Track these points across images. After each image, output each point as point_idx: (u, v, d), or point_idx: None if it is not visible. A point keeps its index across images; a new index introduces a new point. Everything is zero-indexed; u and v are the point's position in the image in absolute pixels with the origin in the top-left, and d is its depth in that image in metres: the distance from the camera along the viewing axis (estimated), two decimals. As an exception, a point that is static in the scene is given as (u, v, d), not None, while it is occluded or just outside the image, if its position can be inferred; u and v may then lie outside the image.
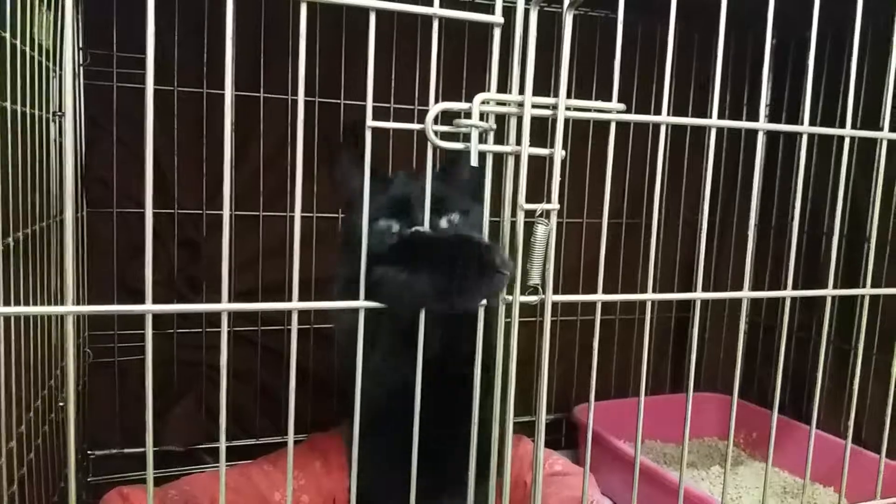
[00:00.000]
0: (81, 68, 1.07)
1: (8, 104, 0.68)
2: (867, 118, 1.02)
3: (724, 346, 1.52)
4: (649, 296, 0.62)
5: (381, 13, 0.51)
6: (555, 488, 1.02)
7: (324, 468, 1.08)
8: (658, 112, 0.60)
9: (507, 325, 0.56)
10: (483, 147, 0.53)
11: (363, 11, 0.51)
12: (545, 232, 0.55)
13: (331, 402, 1.23)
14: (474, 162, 0.52)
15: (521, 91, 0.53)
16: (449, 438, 0.62)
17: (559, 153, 0.54)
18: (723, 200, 1.53)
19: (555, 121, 0.54)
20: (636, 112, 0.61)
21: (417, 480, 0.56)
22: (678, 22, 0.57)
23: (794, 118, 1.41)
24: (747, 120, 1.48)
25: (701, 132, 1.41)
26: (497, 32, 0.52)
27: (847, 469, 0.74)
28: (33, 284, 0.77)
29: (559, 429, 1.42)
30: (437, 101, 0.52)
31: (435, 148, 0.52)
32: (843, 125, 0.68)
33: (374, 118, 0.52)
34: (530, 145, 0.53)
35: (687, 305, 1.49)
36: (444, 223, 0.78)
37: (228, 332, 0.50)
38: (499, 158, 0.54)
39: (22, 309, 0.68)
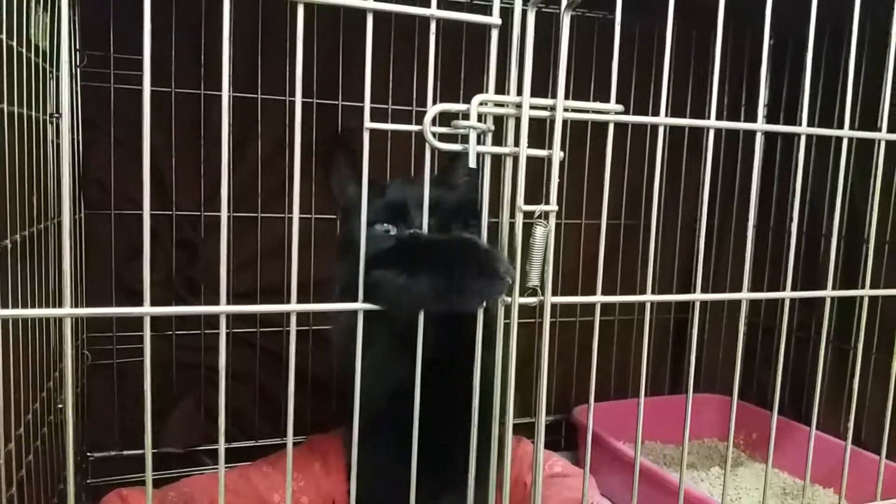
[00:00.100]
0: (78, 70, 1.07)
1: (4, 106, 0.67)
2: (865, 114, 1.02)
3: (723, 347, 1.52)
4: (648, 297, 0.62)
5: (378, 14, 0.51)
6: (555, 489, 1.02)
7: (323, 470, 1.08)
8: (656, 113, 0.60)
9: (507, 327, 0.56)
10: (481, 148, 0.53)
11: (360, 13, 0.51)
12: (544, 233, 0.55)
13: (330, 404, 1.23)
14: (472, 163, 0.52)
15: (520, 92, 0.52)
16: (448, 440, 0.62)
17: (557, 154, 0.54)
18: (721, 201, 1.53)
19: (553, 122, 0.54)
20: (634, 113, 0.61)
21: (416, 482, 0.56)
22: (676, 22, 0.57)
23: (793, 116, 1.40)
24: (745, 120, 1.48)
25: (699, 133, 1.41)
26: (495, 34, 0.52)
27: (847, 470, 0.74)
28: (31, 286, 0.77)
29: (559, 430, 1.42)
30: (434, 102, 0.52)
31: (433, 149, 0.52)
32: (841, 125, 0.68)
33: (372, 119, 0.52)
34: (528, 146, 0.53)
35: (686, 306, 1.49)
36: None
37: (227, 334, 0.50)
38: (497, 160, 0.54)
39: (20, 311, 0.67)
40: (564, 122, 0.54)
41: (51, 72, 0.87)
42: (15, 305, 0.69)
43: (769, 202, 1.46)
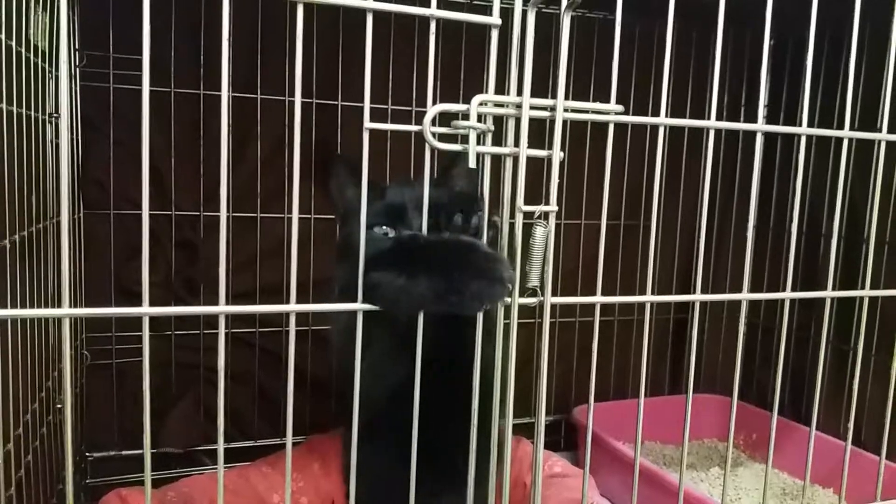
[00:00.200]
0: (78, 70, 1.07)
1: (3, 105, 0.67)
2: (865, 114, 1.02)
3: (723, 347, 1.52)
4: (648, 297, 0.62)
5: (378, 14, 0.51)
6: (554, 490, 1.02)
7: (322, 470, 1.08)
8: (656, 113, 0.60)
9: (506, 327, 0.56)
10: (481, 149, 0.53)
11: (360, 13, 0.50)
12: (544, 234, 0.54)
13: (329, 404, 1.23)
14: (472, 164, 0.52)
15: (520, 92, 0.52)
16: (447, 440, 0.62)
17: (557, 155, 0.54)
18: (721, 202, 1.53)
19: (553, 122, 0.54)
20: (634, 113, 0.61)
21: (416, 482, 0.56)
22: (676, 22, 0.57)
23: (793, 117, 1.40)
24: (745, 120, 1.48)
25: (699, 133, 1.41)
26: (495, 34, 0.52)
27: (847, 471, 0.74)
28: (30, 286, 0.77)
29: (558, 430, 1.42)
30: (434, 102, 0.52)
31: (433, 150, 0.52)
32: (841, 125, 0.68)
33: (372, 120, 0.51)
34: (528, 147, 0.53)
35: (686, 306, 1.49)
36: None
37: (226, 334, 0.50)
38: (497, 160, 0.54)
39: (19, 311, 0.67)
40: (564, 122, 0.54)
41: (50, 72, 0.87)
42: (14, 305, 0.69)
43: (769, 203, 1.46)
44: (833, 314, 1.22)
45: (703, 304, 0.89)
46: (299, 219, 0.51)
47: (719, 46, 0.59)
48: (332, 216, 1.19)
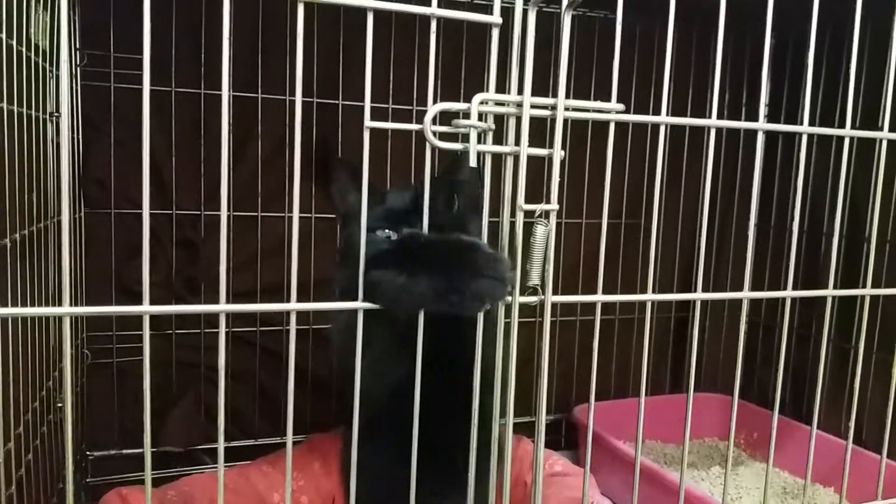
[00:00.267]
0: (78, 69, 1.07)
1: (4, 105, 0.67)
2: (867, 112, 1.02)
3: (723, 346, 1.52)
4: (649, 296, 0.62)
5: (378, 13, 0.51)
6: (555, 489, 1.02)
7: (323, 469, 1.08)
8: (657, 112, 0.60)
9: (507, 326, 0.56)
10: (482, 147, 0.52)
11: (361, 12, 0.50)
12: (544, 233, 0.54)
13: (330, 403, 1.23)
14: (473, 162, 0.52)
15: (520, 91, 0.52)
16: (447, 439, 0.62)
17: (558, 153, 0.54)
18: (722, 200, 1.53)
19: (553, 121, 0.54)
20: (635, 112, 0.61)
21: (416, 481, 0.56)
22: (677, 22, 0.57)
23: (794, 115, 1.40)
24: (746, 119, 1.48)
25: (700, 132, 1.41)
26: (495, 33, 0.52)
27: (848, 469, 0.74)
28: (31, 285, 0.77)
29: (559, 429, 1.42)
30: (435, 101, 0.52)
31: (433, 148, 0.52)
32: (842, 124, 0.68)
33: (373, 118, 0.51)
34: (529, 146, 0.53)
35: (686, 305, 1.49)
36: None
37: (227, 333, 0.50)
38: (498, 159, 0.54)
39: (19, 310, 0.67)
40: (565, 121, 0.54)
41: (50, 71, 0.87)
42: (14, 304, 0.69)
43: (770, 201, 1.46)
44: (834, 313, 1.21)
45: (704, 302, 0.88)
46: (300, 218, 0.51)
47: (720, 46, 0.59)
48: (333, 215, 1.19)
